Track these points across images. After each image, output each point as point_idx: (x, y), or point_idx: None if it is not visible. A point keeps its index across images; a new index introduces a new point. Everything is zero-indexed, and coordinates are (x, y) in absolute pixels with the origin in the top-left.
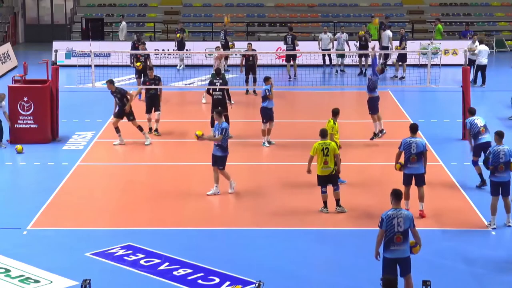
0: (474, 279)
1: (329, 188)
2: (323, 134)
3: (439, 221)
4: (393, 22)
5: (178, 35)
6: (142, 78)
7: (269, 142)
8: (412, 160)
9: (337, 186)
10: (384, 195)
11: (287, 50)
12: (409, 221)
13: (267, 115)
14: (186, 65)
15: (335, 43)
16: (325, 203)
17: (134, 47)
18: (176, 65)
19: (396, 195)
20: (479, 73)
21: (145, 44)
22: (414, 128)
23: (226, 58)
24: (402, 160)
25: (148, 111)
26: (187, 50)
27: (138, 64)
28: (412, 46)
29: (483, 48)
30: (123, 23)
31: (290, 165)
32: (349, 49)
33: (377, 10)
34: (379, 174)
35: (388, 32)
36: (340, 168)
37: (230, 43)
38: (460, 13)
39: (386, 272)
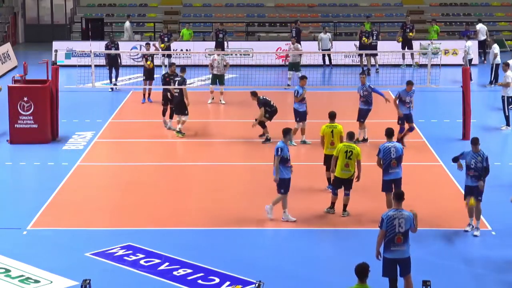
0: (474, 279)
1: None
2: (351, 136)
3: (439, 221)
4: (393, 22)
5: (162, 45)
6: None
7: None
8: (393, 165)
9: (349, 191)
10: (383, 196)
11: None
12: (410, 222)
13: (297, 115)
14: (187, 65)
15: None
16: (333, 204)
17: (107, 49)
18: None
19: (398, 196)
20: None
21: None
22: (390, 133)
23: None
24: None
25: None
26: (187, 50)
27: (149, 63)
28: (412, 46)
29: (470, 44)
30: (127, 22)
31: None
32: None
33: (377, 10)
34: (378, 175)
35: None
36: (360, 175)
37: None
38: (460, 13)
39: (386, 272)
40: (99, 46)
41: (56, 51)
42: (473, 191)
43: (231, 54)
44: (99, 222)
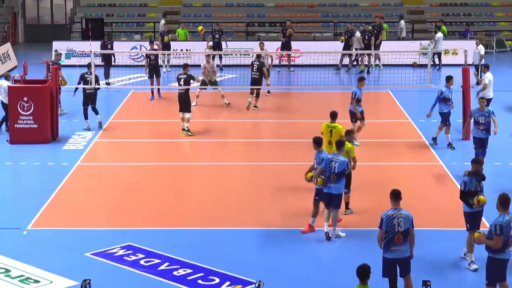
0: (474, 279)
1: None
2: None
3: (439, 221)
4: (393, 22)
5: (166, 38)
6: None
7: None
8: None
9: (348, 189)
10: (384, 195)
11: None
12: (409, 222)
13: (352, 116)
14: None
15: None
16: (346, 203)
17: (104, 46)
18: (178, 65)
19: (395, 195)
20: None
21: (154, 43)
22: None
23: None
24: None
25: (180, 109)
26: (187, 50)
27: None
28: (412, 46)
29: (440, 35)
30: (163, 20)
31: (290, 165)
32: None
33: (377, 10)
34: (378, 175)
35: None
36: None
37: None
38: (460, 13)
39: (386, 273)
40: (99, 46)
41: (56, 51)
42: (476, 218)
43: (231, 54)
44: (99, 222)
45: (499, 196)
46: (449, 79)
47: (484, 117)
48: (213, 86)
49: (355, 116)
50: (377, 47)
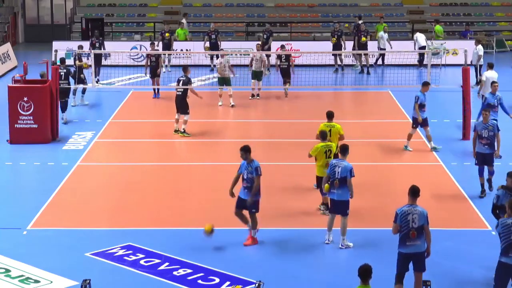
0: (474, 279)
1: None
2: (324, 136)
3: (439, 221)
4: (393, 22)
5: (167, 34)
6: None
7: (434, 148)
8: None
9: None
10: (383, 195)
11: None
12: (424, 218)
13: (414, 121)
14: (190, 65)
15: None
16: (326, 204)
17: (92, 44)
18: (178, 65)
19: (414, 192)
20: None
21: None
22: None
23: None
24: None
25: (177, 111)
26: (187, 50)
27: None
28: (412, 46)
29: (417, 35)
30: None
31: (290, 165)
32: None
33: (377, 10)
34: (378, 175)
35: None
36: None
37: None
38: (460, 13)
39: (398, 267)
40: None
41: (56, 51)
42: None
43: (231, 54)
44: (99, 222)
45: (508, 202)
46: (492, 84)
47: (487, 130)
48: (227, 86)
49: (416, 122)
50: (356, 47)
